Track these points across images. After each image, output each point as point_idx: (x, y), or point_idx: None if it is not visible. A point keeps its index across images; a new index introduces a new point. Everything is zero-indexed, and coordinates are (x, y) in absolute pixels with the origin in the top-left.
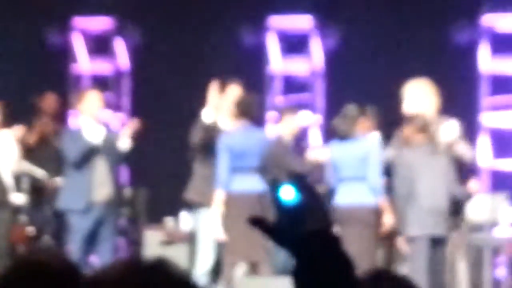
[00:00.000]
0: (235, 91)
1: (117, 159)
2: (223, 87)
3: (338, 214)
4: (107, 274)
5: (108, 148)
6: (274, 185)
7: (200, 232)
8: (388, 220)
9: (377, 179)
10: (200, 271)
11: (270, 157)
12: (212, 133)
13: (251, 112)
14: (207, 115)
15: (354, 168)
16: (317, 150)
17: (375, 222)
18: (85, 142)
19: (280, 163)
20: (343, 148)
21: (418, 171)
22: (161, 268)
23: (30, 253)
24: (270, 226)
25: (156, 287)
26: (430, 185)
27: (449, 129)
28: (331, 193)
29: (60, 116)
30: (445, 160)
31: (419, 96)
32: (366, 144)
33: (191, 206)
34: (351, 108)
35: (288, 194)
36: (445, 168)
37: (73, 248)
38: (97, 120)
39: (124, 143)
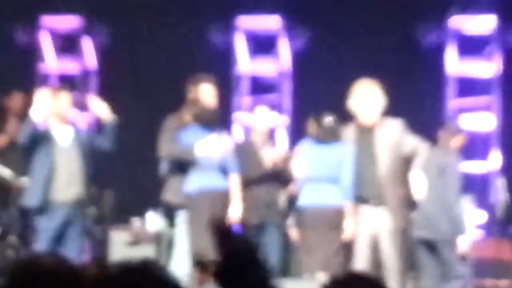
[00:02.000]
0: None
1: (87, 158)
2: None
3: (304, 216)
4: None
5: (77, 147)
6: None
7: (178, 233)
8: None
9: (349, 181)
10: (179, 273)
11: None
12: None
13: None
14: None
15: (326, 169)
16: (272, 151)
17: (341, 224)
18: (52, 142)
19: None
20: (317, 149)
21: None
22: (150, 269)
23: (31, 256)
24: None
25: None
26: None
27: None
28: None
29: (27, 116)
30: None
31: (362, 95)
32: (343, 147)
33: (168, 208)
34: (329, 119)
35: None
36: None
37: (40, 248)
38: (65, 120)
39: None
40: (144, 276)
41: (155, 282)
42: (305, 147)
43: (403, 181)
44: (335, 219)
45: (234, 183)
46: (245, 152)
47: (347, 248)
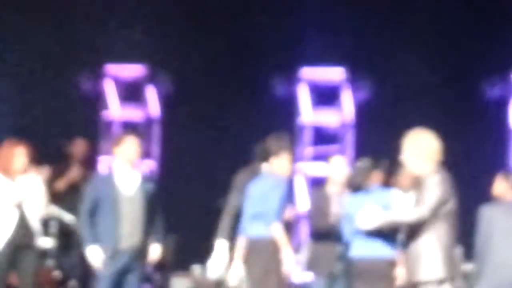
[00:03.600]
0: None
1: (149, 207)
2: None
3: (355, 267)
4: None
5: (142, 194)
6: None
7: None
8: (401, 273)
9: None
10: None
11: None
12: None
13: None
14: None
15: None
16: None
17: (391, 275)
18: (116, 191)
19: None
20: (358, 200)
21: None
22: None
23: None
24: None
25: None
26: None
27: None
28: (346, 246)
29: (90, 162)
30: None
31: (416, 146)
32: (382, 195)
33: None
34: (364, 161)
35: None
36: None
37: None
38: (133, 166)
39: None
40: None
41: None
42: (347, 199)
43: None
44: (384, 270)
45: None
46: (320, 203)
47: None
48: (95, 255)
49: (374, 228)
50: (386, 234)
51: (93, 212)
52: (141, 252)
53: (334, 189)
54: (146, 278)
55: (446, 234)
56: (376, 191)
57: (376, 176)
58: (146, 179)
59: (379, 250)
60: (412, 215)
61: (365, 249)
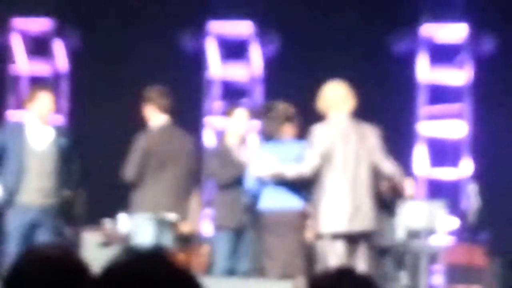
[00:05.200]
0: None
1: (61, 161)
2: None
3: (265, 219)
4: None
5: (54, 150)
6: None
7: None
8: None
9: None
10: None
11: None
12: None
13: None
14: None
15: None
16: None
17: (302, 226)
18: (26, 144)
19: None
20: (271, 150)
21: None
22: (162, 258)
23: (35, 247)
24: None
25: (158, 277)
26: None
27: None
28: (253, 197)
29: None
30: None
31: (328, 95)
32: (294, 147)
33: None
34: (277, 109)
35: None
36: None
37: (11, 249)
38: (45, 121)
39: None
40: (157, 264)
41: (168, 271)
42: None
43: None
44: (295, 221)
45: None
46: (221, 156)
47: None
48: None
49: (265, 177)
50: (296, 185)
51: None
52: (52, 208)
53: (233, 141)
54: (57, 234)
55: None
56: (288, 142)
57: (290, 128)
58: (59, 133)
59: (289, 201)
60: (293, 170)
61: (274, 201)
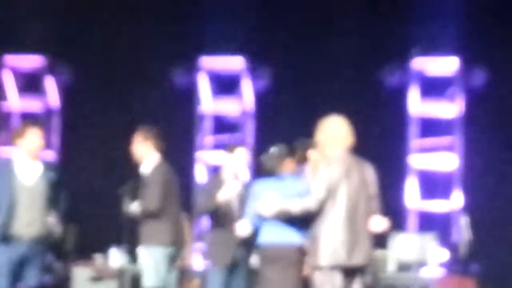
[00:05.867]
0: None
1: (50, 195)
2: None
3: (264, 253)
4: None
5: (44, 184)
6: None
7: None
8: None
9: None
10: None
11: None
12: None
13: None
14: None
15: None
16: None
17: (300, 261)
18: (15, 180)
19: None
20: (270, 186)
21: None
22: None
23: None
24: None
25: None
26: None
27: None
28: (254, 231)
29: None
30: None
31: (330, 131)
32: (294, 183)
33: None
34: (280, 147)
35: None
36: None
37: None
38: (34, 157)
39: None
40: None
41: None
42: (258, 184)
43: None
44: (293, 256)
45: None
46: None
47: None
48: None
49: (270, 215)
50: (296, 220)
51: None
52: (41, 242)
53: (228, 176)
54: (47, 269)
55: (340, 219)
56: (287, 178)
57: (290, 164)
58: (48, 168)
59: (288, 236)
60: (298, 205)
61: (274, 235)
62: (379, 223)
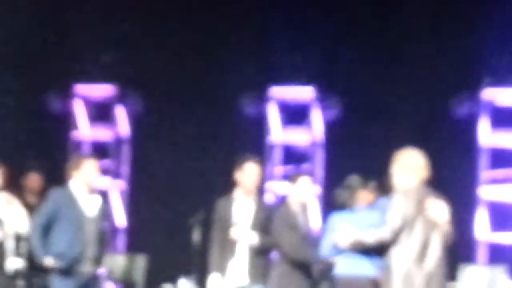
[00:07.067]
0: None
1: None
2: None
3: (339, 284)
4: None
5: (102, 216)
6: None
7: None
8: None
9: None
10: None
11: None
12: None
13: None
14: None
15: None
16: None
17: None
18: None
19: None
20: (344, 219)
21: None
22: None
23: None
24: None
25: None
26: None
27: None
28: (330, 264)
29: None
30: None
31: (406, 162)
32: (369, 214)
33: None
34: (352, 179)
35: None
36: None
37: None
38: (91, 189)
39: None
40: None
41: None
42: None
43: None
44: None
45: None
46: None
47: None
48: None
49: (345, 246)
50: (371, 252)
51: (47, 228)
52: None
53: (296, 207)
54: None
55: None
56: (361, 211)
57: (365, 196)
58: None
59: (363, 268)
60: (373, 236)
61: (348, 267)
62: (439, 207)
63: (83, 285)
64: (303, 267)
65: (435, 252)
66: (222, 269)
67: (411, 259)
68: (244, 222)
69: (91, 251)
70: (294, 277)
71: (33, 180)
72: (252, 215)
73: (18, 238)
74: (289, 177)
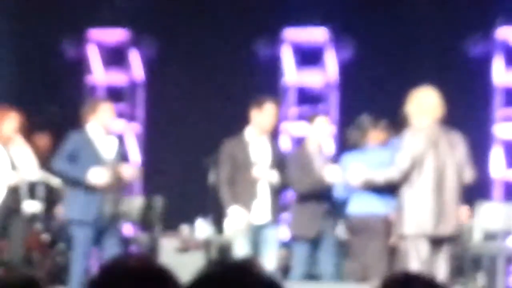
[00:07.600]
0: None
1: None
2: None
3: (351, 223)
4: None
5: (119, 158)
6: None
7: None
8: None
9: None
10: None
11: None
12: None
13: None
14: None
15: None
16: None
17: (386, 232)
18: (96, 155)
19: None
20: (355, 158)
21: None
22: (250, 268)
23: (118, 258)
24: None
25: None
26: None
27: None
28: (343, 202)
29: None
30: None
31: (421, 101)
32: (379, 154)
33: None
34: (363, 119)
35: None
36: None
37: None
38: (108, 131)
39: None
40: (247, 275)
41: (258, 282)
42: (344, 157)
43: None
44: (379, 227)
45: None
46: (302, 163)
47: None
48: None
49: (357, 186)
50: (383, 191)
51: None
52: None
53: (313, 148)
54: (132, 240)
55: (427, 189)
56: (372, 150)
57: (376, 135)
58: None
59: (375, 207)
60: (382, 176)
61: (361, 206)
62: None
63: (102, 227)
64: (316, 205)
65: (450, 190)
66: (242, 205)
67: (423, 197)
68: (263, 161)
69: (108, 196)
70: (307, 215)
71: (42, 141)
72: (269, 154)
73: (32, 184)
74: (307, 118)
